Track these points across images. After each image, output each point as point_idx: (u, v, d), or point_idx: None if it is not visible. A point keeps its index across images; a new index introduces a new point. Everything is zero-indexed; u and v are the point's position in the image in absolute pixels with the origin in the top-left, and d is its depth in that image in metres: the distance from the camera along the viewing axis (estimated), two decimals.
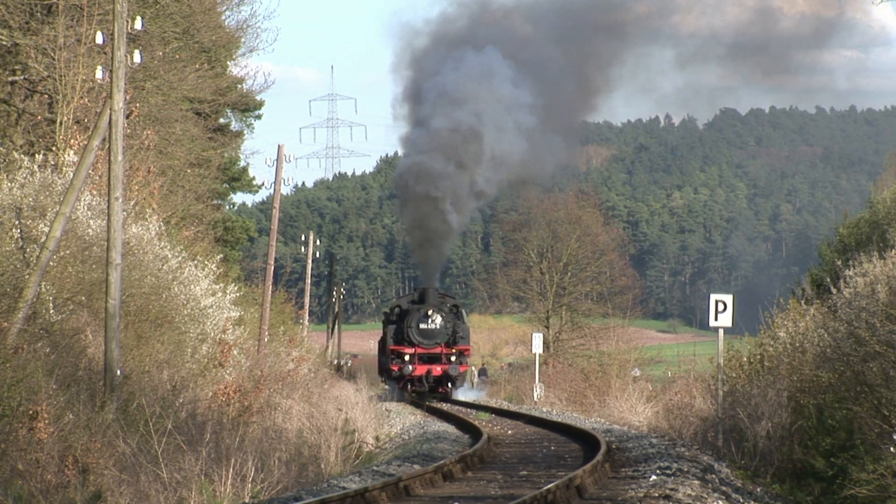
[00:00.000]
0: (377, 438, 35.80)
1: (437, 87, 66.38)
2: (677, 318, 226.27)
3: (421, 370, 62.66)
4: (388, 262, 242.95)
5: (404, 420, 45.16)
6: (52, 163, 33.04)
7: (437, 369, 62.63)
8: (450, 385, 63.06)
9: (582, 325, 78.64)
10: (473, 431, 37.92)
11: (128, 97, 28.41)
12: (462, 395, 64.24)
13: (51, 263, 27.26)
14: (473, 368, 77.47)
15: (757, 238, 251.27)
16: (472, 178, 65.62)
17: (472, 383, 74.01)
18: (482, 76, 65.73)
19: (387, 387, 66.18)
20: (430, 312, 62.99)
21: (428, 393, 61.98)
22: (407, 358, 62.76)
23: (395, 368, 62.84)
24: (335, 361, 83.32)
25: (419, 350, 62.99)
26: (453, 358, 62.91)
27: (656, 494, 21.42)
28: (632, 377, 56.83)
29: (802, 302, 32.55)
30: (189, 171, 47.37)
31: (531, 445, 34.43)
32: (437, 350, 62.99)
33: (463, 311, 66.13)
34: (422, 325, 63.04)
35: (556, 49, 70.39)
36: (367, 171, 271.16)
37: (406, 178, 66.48)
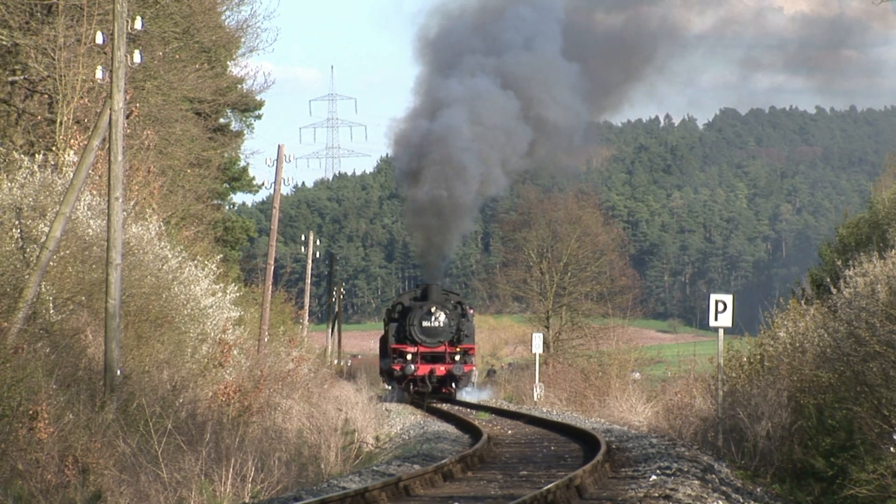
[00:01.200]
0: (377, 438, 35.80)
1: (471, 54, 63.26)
2: (677, 318, 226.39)
3: (424, 370, 60.26)
4: (388, 262, 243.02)
5: (404, 420, 45.15)
6: (52, 163, 33.05)
7: (441, 369, 60.21)
8: (454, 385, 60.65)
9: (582, 325, 78.61)
10: (473, 431, 37.91)
11: (128, 97, 28.41)
12: (467, 396, 61.77)
13: (51, 263, 27.26)
14: (474, 370, 76.23)
15: (757, 238, 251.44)
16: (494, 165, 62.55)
17: (475, 384, 72.79)
18: (530, 40, 63.06)
19: (388, 387, 64.09)
20: (433, 309, 60.47)
21: (431, 394, 59.61)
22: (409, 357, 60.36)
23: (397, 368, 60.31)
24: (337, 362, 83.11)
25: (422, 349, 60.54)
26: (457, 357, 60.48)
27: (656, 494, 21.42)
28: (631, 380, 56.40)
29: (802, 302, 32.57)
30: (189, 171, 47.37)
31: (531, 445, 34.42)
32: (441, 349, 60.56)
33: (468, 309, 63.34)
34: (424, 323, 60.52)
35: (603, 34, 67.86)
36: (367, 171, 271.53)
37: (418, 160, 62.73)
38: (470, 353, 61.42)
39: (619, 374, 56.76)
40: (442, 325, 60.61)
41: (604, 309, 78.32)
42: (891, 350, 23.24)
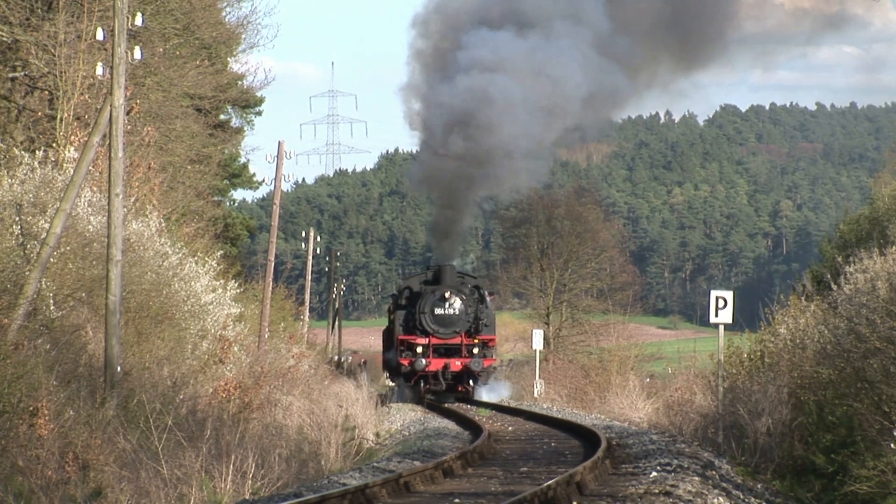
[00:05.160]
0: (377, 435, 35.80)
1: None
2: (677, 314, 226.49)
3: (437, 365, 52.89)
4: (388, 259, 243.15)
5: (404, 416, 45.10)
6: (53, 159, 33.04)
7: (457, 364, 52.84)
8: (471, 383, 53.36)
9: (582, 321, 78.61)
10: (474, 428, 37.90)
11: (128, 94, 28.40)
12: (486, 394, 54.47)
13: (51, 260, 27.25)
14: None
15: (757, 234, 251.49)
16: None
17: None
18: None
19: (391, 383, 57.97)
20: (447, 295, 52.87)
21: (445, 392, 53.01)
22: (420, 350, 52.86)
23: (406, 363, 52.96)
24: (335, 358, 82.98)
25: (434, 340, 53.03)
26: (475, 350, 53.10)
27: (656, 491, 21.42)
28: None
29: (803, 298, 32.57)
30: (189, 167, 47.39)
31: (531, 442, 34.42)
32: (457, 340, 53.10)
33: (487, 294, 55.47)
34: (437, 311, 52.88)
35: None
36: (368, 168, 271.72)
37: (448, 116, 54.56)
38: (490, 345, 54.04)
39: (620, 370, 56.69)
40: (457, 312, 53.13)
41: (604, 305, 78.30)
42: (891, 346, 23.24)
